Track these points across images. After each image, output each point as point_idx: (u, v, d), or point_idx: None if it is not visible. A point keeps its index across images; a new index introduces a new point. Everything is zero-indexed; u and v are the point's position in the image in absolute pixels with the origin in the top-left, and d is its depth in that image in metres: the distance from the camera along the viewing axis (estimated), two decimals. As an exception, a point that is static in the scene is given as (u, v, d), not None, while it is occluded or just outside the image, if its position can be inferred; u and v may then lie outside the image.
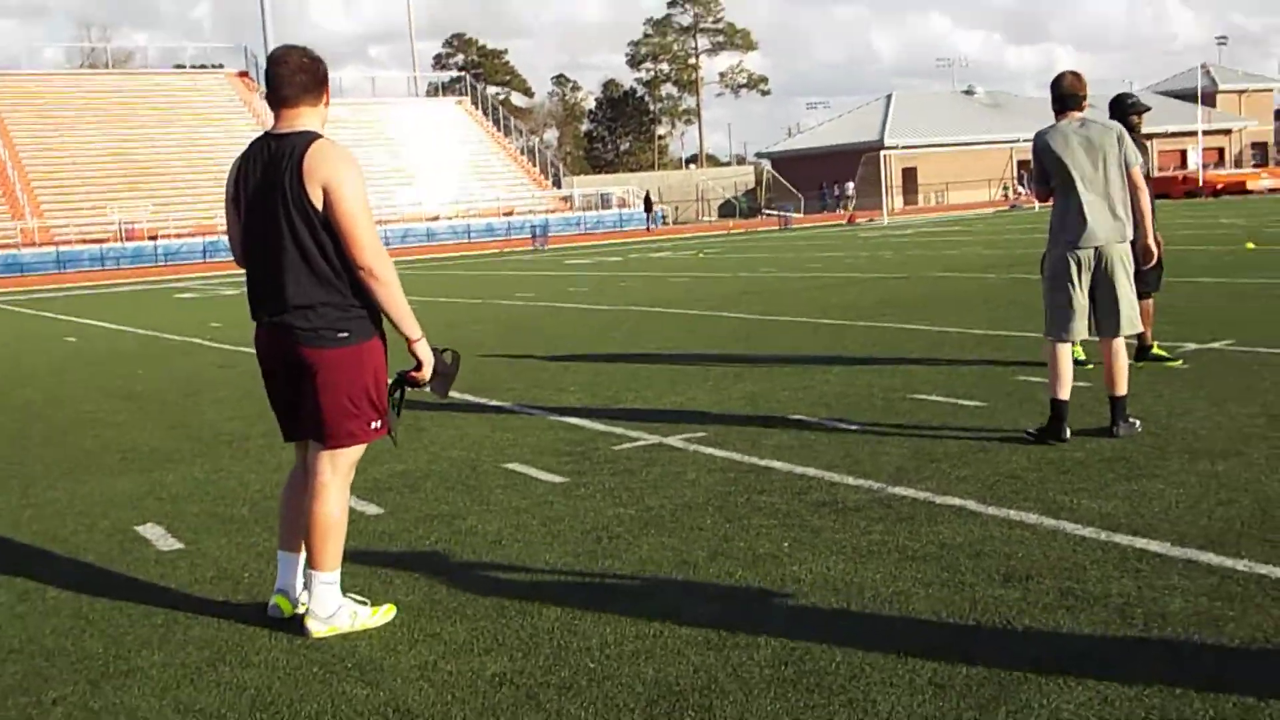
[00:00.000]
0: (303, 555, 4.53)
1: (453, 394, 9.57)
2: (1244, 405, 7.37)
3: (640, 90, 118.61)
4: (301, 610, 4.50)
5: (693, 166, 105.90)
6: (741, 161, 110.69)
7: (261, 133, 4.49)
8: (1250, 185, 53.93)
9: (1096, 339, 7.01)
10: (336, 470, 4.43)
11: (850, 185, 62.65)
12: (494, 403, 9.34)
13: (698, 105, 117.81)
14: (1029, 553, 4.89)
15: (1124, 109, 8.81)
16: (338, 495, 4.43)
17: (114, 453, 8.28)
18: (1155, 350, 9.09)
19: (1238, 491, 5.53)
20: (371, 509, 6.20)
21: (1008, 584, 4.53)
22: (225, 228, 4.64)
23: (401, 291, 4.38)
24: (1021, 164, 68.25)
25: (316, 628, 4.40)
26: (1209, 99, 74.33)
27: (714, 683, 3.80)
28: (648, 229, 58.29)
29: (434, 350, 4.54)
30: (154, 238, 50.82)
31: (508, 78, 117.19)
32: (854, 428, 7.52)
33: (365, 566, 5.17)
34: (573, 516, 5.88)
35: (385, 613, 4.56)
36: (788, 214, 56.32)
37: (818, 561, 4.95)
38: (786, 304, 16.26)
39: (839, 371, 9.79)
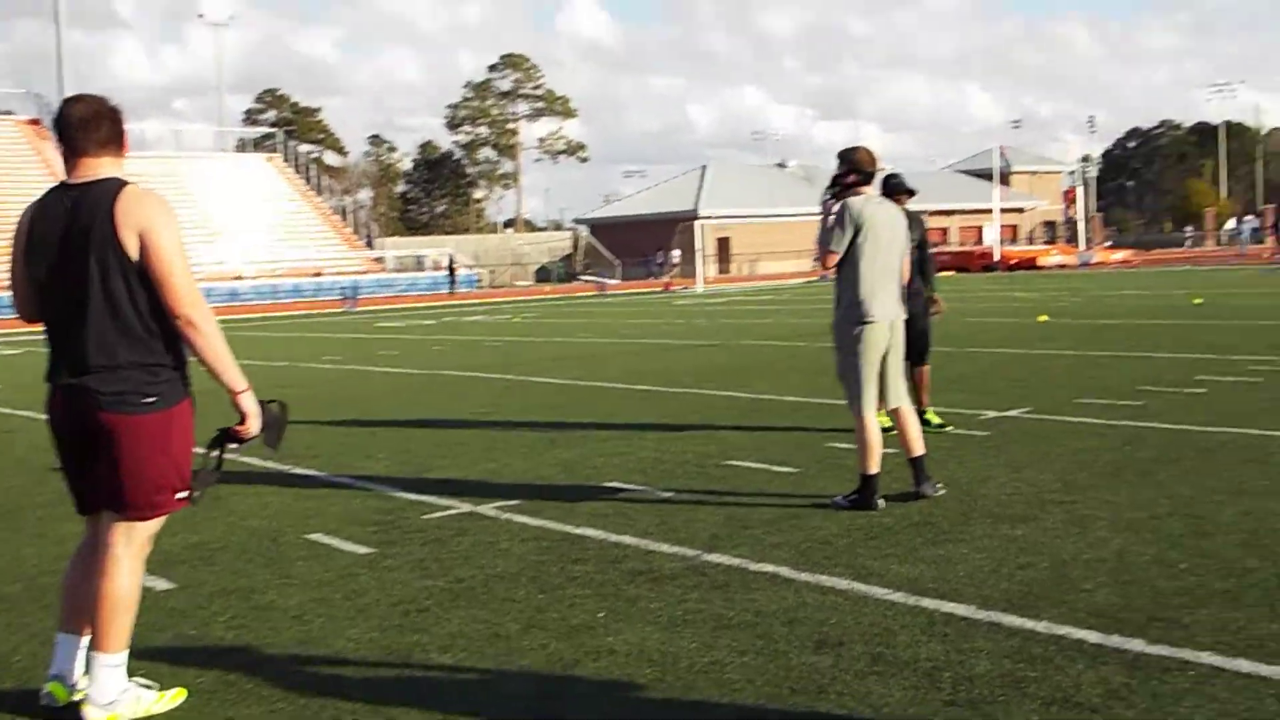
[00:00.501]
0: (85, 637, 4.24)
1: (251, 460, 9.29)
2: (1040, 471, 7.61)
3: (458, 153, 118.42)
4: (79, 697, 4.19)
5: (510, 230, 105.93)
6: (559, 227, 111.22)
7: (56, 183, 4.24)
8: (1041, 261, 56.52)
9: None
10: (132, 542, 4.17)
11: (676, 253, 63.50)
12: (298, 470, 9.03)
13: (516, 170, 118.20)
14: (841, 619, 4.91)
15: (892, 189, 9.11)
16: (131, 570, 4.17)
17: (-118, 525, 7.71)
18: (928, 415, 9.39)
19: (1036, 555, 5.68)
20: (161, 584, 5.86)
21: (820, 651, 4.54)
22: (9, 283, 4.34)
23: (223, 341, 4.17)
24: (829, 235, 70.23)
25: (95, 715, 4.07)
26: (1004, 179, 77.93)
27: (524, 761, 3.68)
28: (450, 292, 57.69)
29: (260, 402, 4.34)
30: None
31: (321, 136, 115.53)
32: (669, 494, 7.51)
33: (153, 647, 4.88)
34: (379, 589, 5.68)
35: (174, 697, 4.28)
36: (605, 280, 56.71)
37: (633, 631, 4.88)
38: (602, 370, 16.27)
39: (654, 438, 9.80)
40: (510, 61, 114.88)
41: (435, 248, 71.43)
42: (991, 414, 10.05)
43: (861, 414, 6.90)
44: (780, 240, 75.65)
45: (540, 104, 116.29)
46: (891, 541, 6.09)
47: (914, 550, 5.90)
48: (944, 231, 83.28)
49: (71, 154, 4.16)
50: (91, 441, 4.11)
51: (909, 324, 7.51)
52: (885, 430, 7.13)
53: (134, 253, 4.01)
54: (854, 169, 7.06)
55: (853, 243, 6.93)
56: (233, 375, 4.21)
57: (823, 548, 6.04)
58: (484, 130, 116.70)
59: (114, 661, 4.12)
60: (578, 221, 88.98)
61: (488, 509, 7.32)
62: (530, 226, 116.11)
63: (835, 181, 7.14)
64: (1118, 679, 4.08)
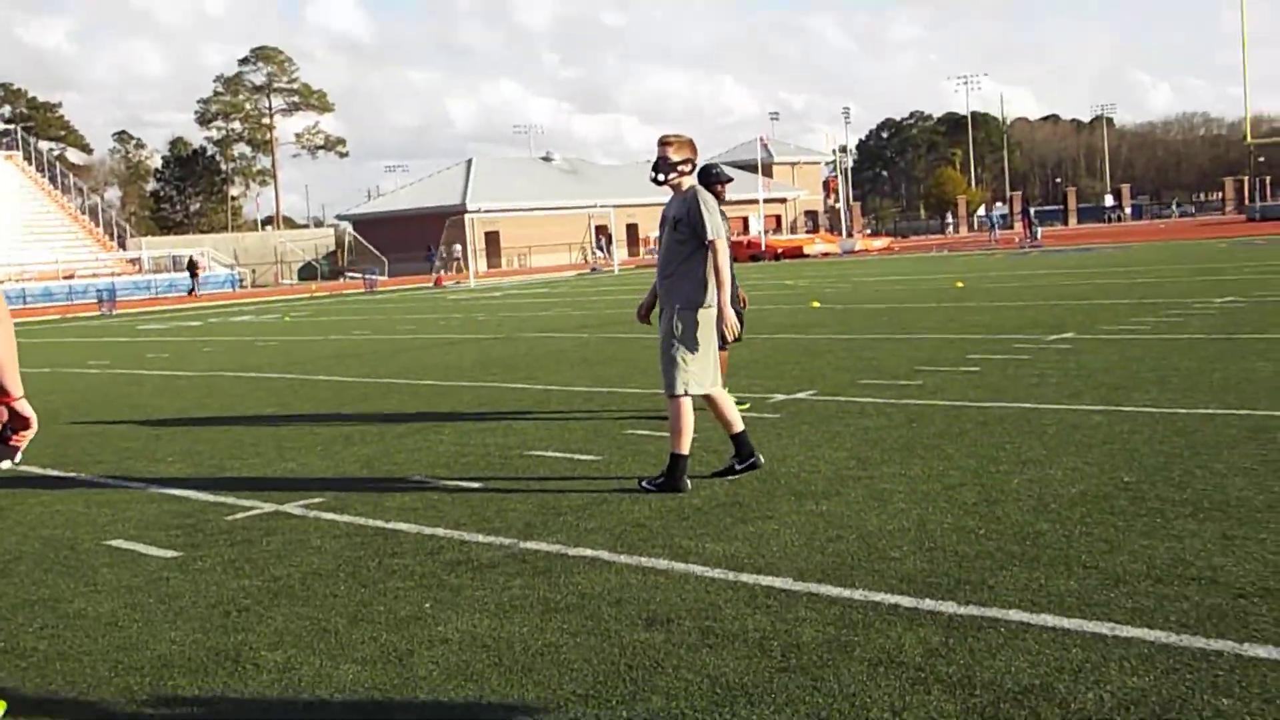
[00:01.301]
0: None
1: (31, 468, 8.86)
2: (835, 450, 7.95)
3: (211, 149, 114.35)
4: None
5: (270, 228, 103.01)
6: (320, 224, 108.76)
7: None
8: (806, 249, 58.41)
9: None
10: None
11: (458, 247, 62.91)
12: (84, 476, 8.67)
13: (273, 166, 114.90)
14: (666, 596, 5.05)
15: (710, 179, 9.36)
16: None
17: None
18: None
19: (843, 528, 5.95)
20: (-42, 598, 5.58)
21: (651, 628, 4.66)
22: None
23: (13, 344, 3.99)
24: (599, 229, 70.97)
25: None
26: (767, 170, 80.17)
27: (376, 750, 3.68)
28: (191, 293, 55.58)
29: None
30: None
31: (63, 132, 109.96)
32: (476, 486, 7.52)
33: (-38, 661, 4.65)
34: (193, 591, 5.54)
35: None
36: (373, 276, 55.77)
37: (462, 620, 4.90)
38: (386, 366, 16.08)
39: (451, 430, 9.78)
40: (262, 54, 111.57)
41: (192, 247, 68.86)
42: (780, 396, 10.41)
43: (680, 398, 7.04)
44: (549, 233, 75.91)
45: (296, 98, 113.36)
46: (703, 522, 6.27)
47: (726, 529, 6.09)
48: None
49: None
50: None
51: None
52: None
53: None
54: (691, 158, 7.18)
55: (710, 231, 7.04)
56: (14, 379, 4.03)
57: (637, 530, 6.18)
58: (237, 125, 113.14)
59: None
60: (340, 218, 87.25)
61: (293, 508, 7.19)
62: (290, 224, 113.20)
63: (671, 167, 7.12)
64: (935, 639, 4.34)
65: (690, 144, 7.24)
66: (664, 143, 7.16)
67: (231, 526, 6.81)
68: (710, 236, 7.01)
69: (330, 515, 6.95)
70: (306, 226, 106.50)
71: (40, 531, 6.95)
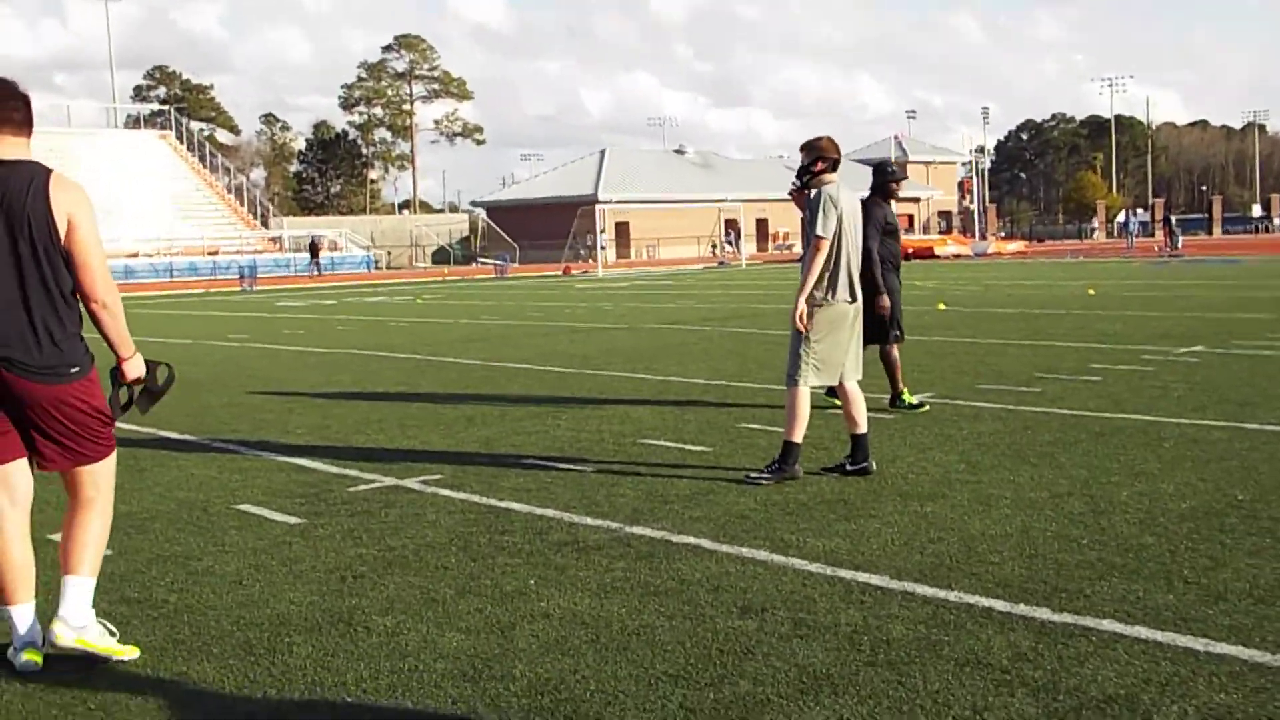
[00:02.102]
0: (33, 603, 4.37)
1: (169, 434, 9.31)
2: (945, 453, 7.97)
3: (353, 133, 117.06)
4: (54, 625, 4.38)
5: (406, 212, 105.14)
6: (454, 209, 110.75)
7: None
8: (938, 250, 57.67)
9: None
10: (102, 481, 4.54)
11: (604, 235, 63.57)
12: (218, 443, 9.08)
13: (412, 151, 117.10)
14: (762, 586, 5.17)
15: (884, 177, 9.61)
16: (109, 505, 4.61)
17: None
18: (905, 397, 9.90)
19: (945, 530, 5.99)
20: (98, 550, 5.94)
21: (745, 616, 4.79)
22: None
23: (125, 321, 4.53)
24: (728, 223, 71.00)
25: (65, 635, 4.30)
26: (901, 168, 79.39)
27: (473, 713, 3.88)
28: (311, 275, 56.53)
29: (148, 362, 4.68)
30: None
31: (213, 114, 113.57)
32: (588, 470, 7.72)
33: (99, 607, 4.96)
34: (313, 556, 5.82)
35: (129, 650, 4.43)
36: (504, 263, 56.63)
37: (564, 597, 5.08)
38: (512, 351, 16.41)
39: (569, 416, 10.00)
40: (405, 42, 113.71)
41: (332, 228, 70.67)
42: (895, 399, 10.40)
43: (798, 386, 7.21)
44: (679, 226, 76.19)
45: (436, 85, 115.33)
46: (806, 517, 6.37)
47: (828, 525, 6.18)
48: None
49: None
50: (30, 409, 4.25)
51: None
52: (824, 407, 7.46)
53: (63, 236, 4.25)
54: (820, 157, 7.29)
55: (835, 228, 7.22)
56: (125, 344, 4.56)
57: (741, 521, 6.30)
58: (379, 111, 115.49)
59: (91, 585, 4.41)
60: (475, 204, 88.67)
61: (412, 483, 7.47)
62: (426, 208, 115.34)
63: (805, 171, 7.37)
64: (1025, 643, 4.39)
65: (808, 146, 7.41)
66: (800, 149, 7.45)
67: (352, 498, 7.10)
68: (818, 233, 7.16)
69: (446, 491, 7.20)
70: (441, 211, 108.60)
71: (176, 493, 7.33)
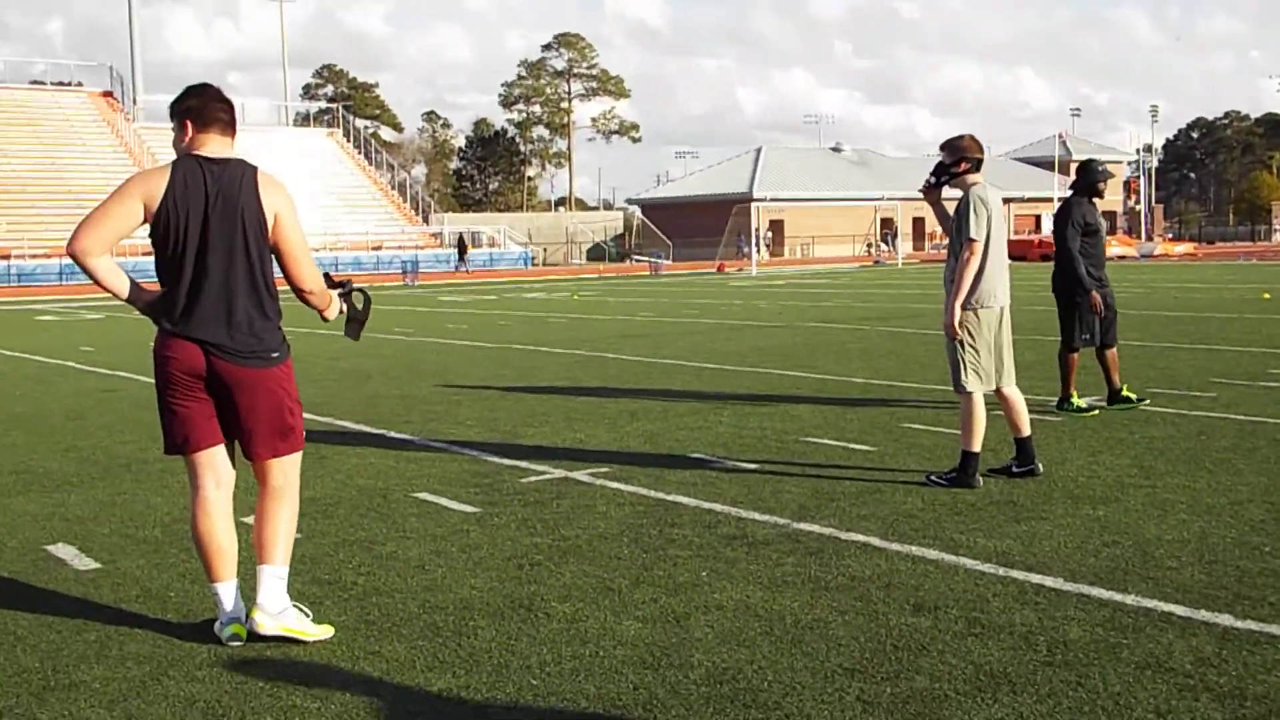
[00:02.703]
0: (235, 580, 4.63)
1: (346, 424, 9.68)
2: (1116, 456, 7.83)
3: (511, 131, 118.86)
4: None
5: (562, 209, 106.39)
6: (609, 206, 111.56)
7: (184, 155, 4.61)
8: (1100, 251, 56.25)
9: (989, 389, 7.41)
10: (291, 471, 4.77)
11: (768, 234, 63.65)
12: (393, 434, 9.41)
13: (569, 149, 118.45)
14: (934, 585, 5.18)
15: (1099, 176, 9.61)
16: (296, 494, 4.84)
17: (7, 474, 8.14)
18: (1124, 393, 9.95)
19: (1119, 534, 5.92)
20: (288, 533, 6.23)
21: (918, 613, 4.81)
22: (93, 217, 4.47)
23: None
24: (885, 221, 70.23)
25: (266, 623, 4.53)
26: (1064, 167, 77.41)
27: (655, 699, 3.99)
28: (457, 270, 57.13)
29: (348, 291, 5.04)
30: (6, 258, 49.19)
31: (378, 111, 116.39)
32: (752, 466, 7.79)
33: (293, 588, 5.23)
34: (491, 544, 6.02)
35: (325, 630, 4.66)
36: (659, 260, 56.95)
37: (736, 589, 5.18)
38: (669, 347, 16.57)
39: (730, 413, 10.08)
40: (564, 41, 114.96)
41: (490, 225, 71.93)
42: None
43: (970, 393, 7.11)
44: (834, 224, 75.62)
45: (594, 83, 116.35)
46: (975, 518, 6.34)
47: (998, 526, 6.15)
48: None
49: (204, 130, 4.60)
50: (234, 392, 4.51)
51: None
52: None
53: (270, 229, 4.56)
54: (964, 157, 7.13)
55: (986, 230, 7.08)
56: (331, 307, 4.94)
57: (909, 520, 6.31)
58: (537, 109, 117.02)
59: (285, 573, 4.66)
60: (630, 201, 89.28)
61: (581, 475, 7.64)
62: (581, 205, 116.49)
63: (944, 171, 7.20)
64: (1208, 649, 4.33)
65: (950, 145, 7.22)
66: (940, 148, 7.32)
67: (525, 488, 7.30)
68: (970, 235, 7.00)
69: (615, 484, 7.35)
70: (597, 209, 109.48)
71: (356, 481, 7.63)
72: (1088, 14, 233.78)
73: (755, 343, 17.06)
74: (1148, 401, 9.86)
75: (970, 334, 7.11)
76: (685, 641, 4.54)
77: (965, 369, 7.12)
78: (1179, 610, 4.76)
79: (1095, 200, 9.89)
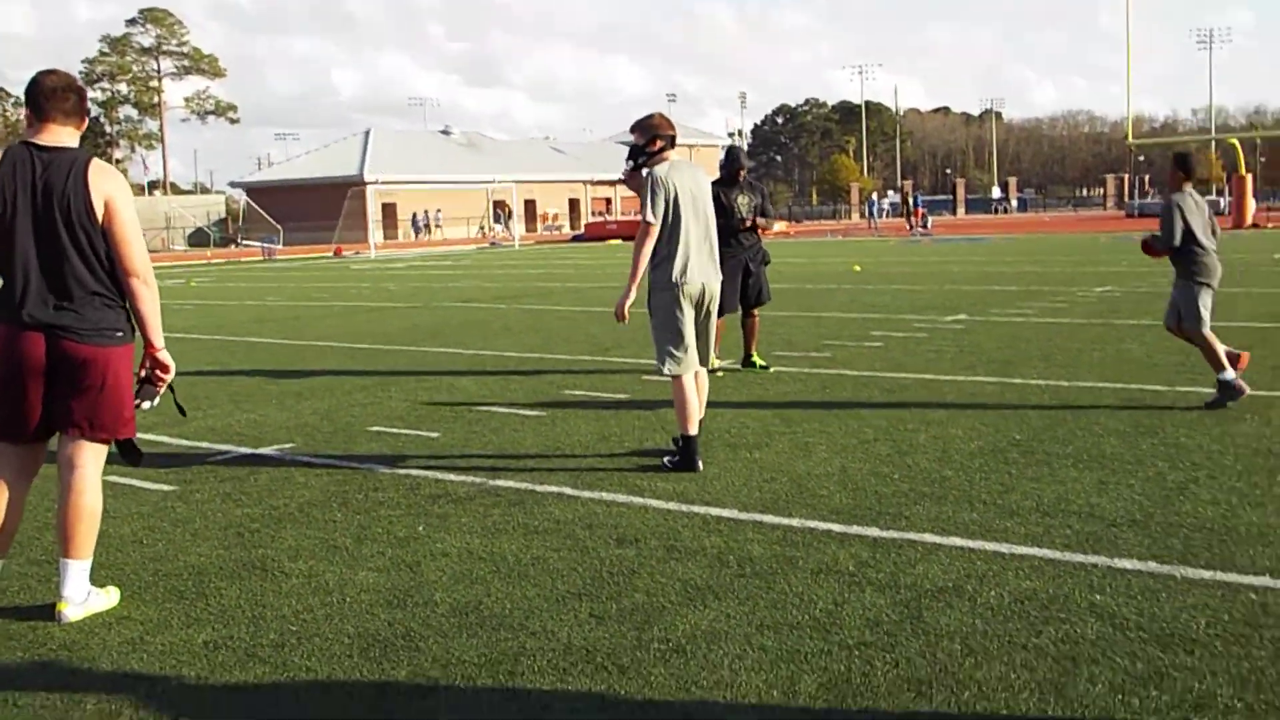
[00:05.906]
0: None
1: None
2: (759, 409, 8.82)
3: (95, 110, 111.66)
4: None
5: (158, 193, 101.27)
6: (206, 190, 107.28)
7: (20, 144, 4.73)
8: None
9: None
10: (99, 461, 4.85)
11: (440, 214, 62.46)
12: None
13: (161, 130, 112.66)
14: (630, 522, 5.86)
15: (738, 159, 10.81)
16: (99, 486, 4.88)
17: None
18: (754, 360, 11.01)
19: (775, 472, 6.80)
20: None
21: (623, 545, 5.46)
22: None
23: (158, 302, 4.87)
24: (498, 204, 71.30)
25: (75, 613, 4.69)
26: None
27: (411, 631, 4.43)
28: None
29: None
30: None
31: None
32: (435, 435, 8.24)
33: (7, 571, 5.27)
34: (202, 517, 6.21)
35: (113, 592, 4.89)
36: (271, 245, 55.55)
37: (455, 539, 5.65)
38: (312, 330, 16.59)
39: (397, 388, 10.44)
40: (151, 16, 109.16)
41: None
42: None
43: (677, 377, 6.97)
44: (447, 207, 76.04)
45: (186, 61, 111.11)
46: (650, 467, 7.07)
47: (673, 473, 6.90)
48: (607, 202, 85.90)
49: (43, 119, 4.72)
50: (66, 371, 4.63)
51: (745, 275, 10.08)
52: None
53: (100, 216, 4.67)
54: (656, 135, 7.03)
55: (666, 209, 6.94)
56: (158, 333, 4.86)
57: (593, 473, 6.96)
58: (124, 88, 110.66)
59: (88, 566, 4.77)
60: (233, 185, 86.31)
61: (268, 450, 7.85)
62: (176, 189, 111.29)
63: (640, 152, 7.08)
64: (864, 554, 5.21)
65: (641, 125, 7.15)
66: (631, 130, 7.25)
67: (216, 466, 7.45)
68: (646, 219, 6.88)
69: (306, 457, 7.62)
70: (192, 193, 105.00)
71: (36, 467, 7.50)
72: (675, 5, 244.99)
73: (399, 323, 17.36)
74: (772, 370, 10.85)
75: (673, 316, 6.95)
76: (423, 584, 4.99)
77: (667, 356, 6.96)
78: (836, 527, 5.64)
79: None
